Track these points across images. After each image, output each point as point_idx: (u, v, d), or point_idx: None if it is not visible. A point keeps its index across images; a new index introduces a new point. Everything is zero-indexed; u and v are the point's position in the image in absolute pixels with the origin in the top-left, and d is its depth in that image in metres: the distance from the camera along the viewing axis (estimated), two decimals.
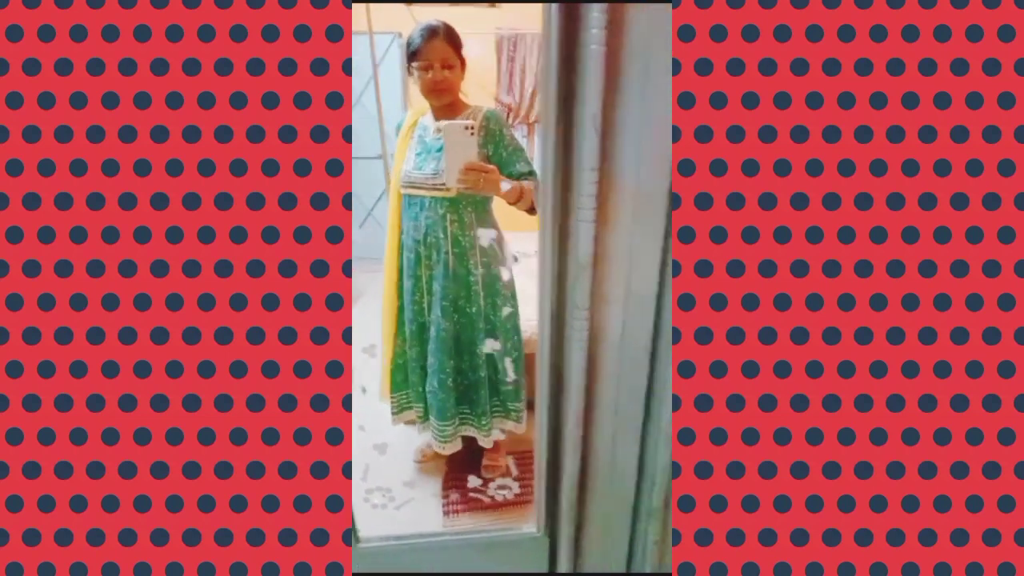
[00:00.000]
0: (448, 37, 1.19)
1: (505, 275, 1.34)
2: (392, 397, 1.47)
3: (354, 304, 3.21)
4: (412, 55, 1.20)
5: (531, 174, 1.25)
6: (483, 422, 1.39)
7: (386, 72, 3.63)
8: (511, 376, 1.38)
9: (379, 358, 1.47)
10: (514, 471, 1.51)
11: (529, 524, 0.83)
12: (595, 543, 0.81)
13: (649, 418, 0.72)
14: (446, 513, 1.40)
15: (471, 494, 1.44)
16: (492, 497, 1.44)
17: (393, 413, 1.48)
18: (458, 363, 1.36)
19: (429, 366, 1.36)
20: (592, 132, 0.56)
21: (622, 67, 0.55)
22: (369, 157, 3.71)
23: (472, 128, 1.11)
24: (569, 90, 0.57)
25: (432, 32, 1.18)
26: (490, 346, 1.32)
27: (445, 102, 1.24)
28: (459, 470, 1.50)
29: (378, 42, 3.51)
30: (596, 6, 0.51)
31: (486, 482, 1.47)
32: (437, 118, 1.26)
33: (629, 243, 0.63)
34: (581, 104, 0.56)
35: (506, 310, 1.34)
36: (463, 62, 1.23)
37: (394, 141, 1.36)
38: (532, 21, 3.19)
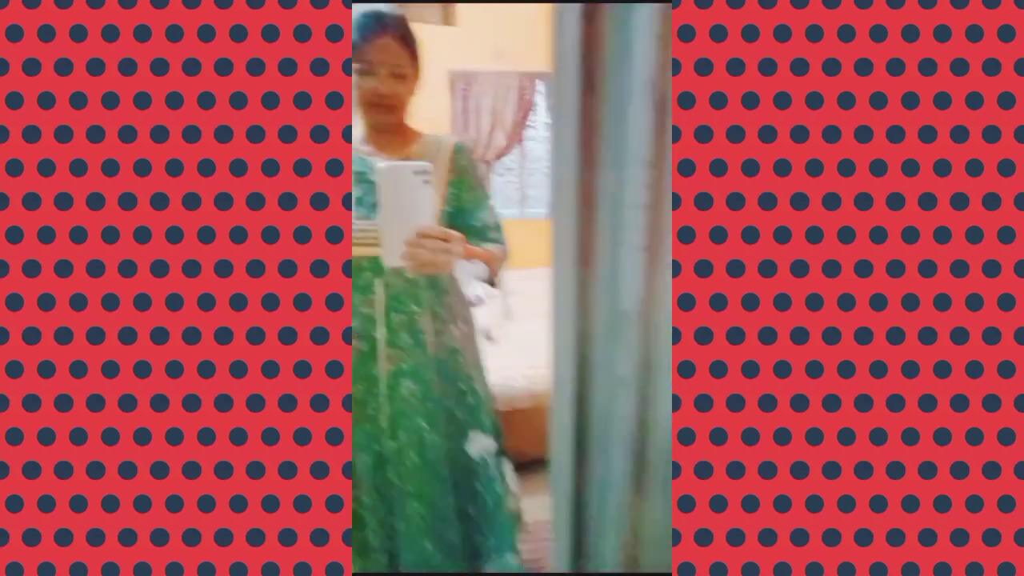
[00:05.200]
0: (402, 34, 0.83)
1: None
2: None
3: None
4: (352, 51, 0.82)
5: (496, 229, 0.92)
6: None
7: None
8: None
9: None
10: None
11: None
12: None
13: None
14: None
15: None
16: None
17: None
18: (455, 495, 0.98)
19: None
20: (640, 171, 0.47)
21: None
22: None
23: (428, 174, 0.68)
24: (591, 121, 0.48)
25: (380, 25, 0.80)
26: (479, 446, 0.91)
27: (388, 123, 0.88)
28: None
29: None
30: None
31: None
32: (373, 145, 0.89)
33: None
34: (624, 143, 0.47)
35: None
36: (418, 72, 0.86)
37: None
38: (486, 59, 3.07)
